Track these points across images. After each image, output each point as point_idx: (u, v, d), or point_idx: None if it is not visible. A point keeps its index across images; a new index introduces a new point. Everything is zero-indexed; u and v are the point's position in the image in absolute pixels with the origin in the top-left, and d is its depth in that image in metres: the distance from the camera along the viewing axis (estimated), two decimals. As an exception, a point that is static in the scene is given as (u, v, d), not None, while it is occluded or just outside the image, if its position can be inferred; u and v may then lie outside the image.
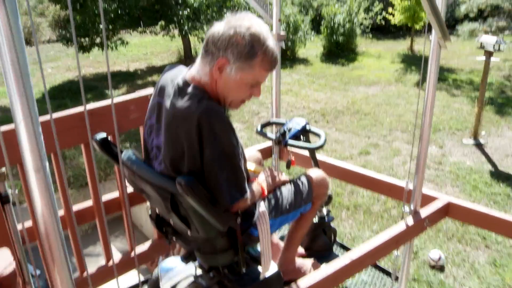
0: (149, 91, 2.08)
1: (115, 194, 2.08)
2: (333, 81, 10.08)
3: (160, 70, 11.24)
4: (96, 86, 9.83)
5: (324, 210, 2.40)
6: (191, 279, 1.96)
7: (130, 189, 2.19)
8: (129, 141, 6.75)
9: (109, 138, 1.70)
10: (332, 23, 11.91)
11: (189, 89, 1.52)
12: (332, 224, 2.48)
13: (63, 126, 1.82)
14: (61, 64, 11.99)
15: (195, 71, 1.56)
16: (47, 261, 0.92)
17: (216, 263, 1.78)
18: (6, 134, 1.66)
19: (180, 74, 1.61)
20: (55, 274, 0.93)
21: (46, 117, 1.78)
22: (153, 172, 1.60)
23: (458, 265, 4.33)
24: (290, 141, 2.08)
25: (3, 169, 1.81)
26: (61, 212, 1.99)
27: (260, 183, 1.78)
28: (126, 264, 2.11)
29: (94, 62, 12.19)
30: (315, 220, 2.34)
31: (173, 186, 1.44)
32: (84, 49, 10.03)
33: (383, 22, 13.73)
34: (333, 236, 2.53)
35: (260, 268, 1.73)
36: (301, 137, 2.13)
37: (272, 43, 1.53)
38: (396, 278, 2.37)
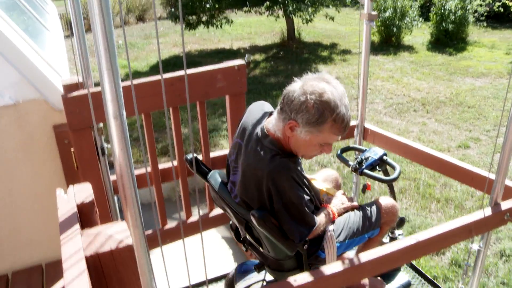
0: (237, 62, 2.19)
1: (198, 156, 2.23)
2: (437, 71, 9.59)
3: (263, 49, 11.44)
4: (200, 61, 10.25)
5: (396, 232, 2.46)
6: (264, 283, 2.21)
7: (212, 154, 2.34)
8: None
9: (199, 158, 1.97)
10: (442, 9, 11.23)
11: (266, 143, 1.66)
12: None
13: (155, 89, 1.97)
14: (169, 39, 12.63)
15: (271, 124, 1.68)
16: (121, 198, 1.04)
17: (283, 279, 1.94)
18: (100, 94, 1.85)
19: (262, 120, 1.75)
20: (127, 211, 1.05)
21: (136, 81, 1.97)
22: (232, 199, 1.78)
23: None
24: (366, 171, 2.17)
25: (101, 124, 2.02)
26: (148, 169, 2.18)
27: (332, 207, 1.91)
28: (204, 224, 2.26)
29: (200, 39, 12.69)
30: (387, 240, 2.42)
31: (248, 215, 1.64)
32: (190, 26, 10.47)
33: (501, 9, 12.68)
34: None
35: None
36: (377, 167, 2.21)
37: (343, 110, 1.59)
38: None
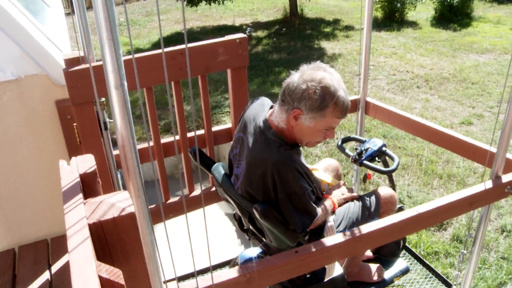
0: (238, 35, 2.17)
1: (200, 132, 2.24)
2: (441, 47, 9.50)
3: (265, 26, 11.34)
4: (201, 38, 10.17)
5: None
6: None
7: (215, 128, 2.35)
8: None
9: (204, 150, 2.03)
10: (447, -16, 11.09)
11: (269, 135, 1.72)
12: None
13: (156, 63, 1.97)
14: (171, 16, 12.53)
15: (274, 116, 1.75)
16: (123, 168, 1.05)
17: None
18: (102, 68, 1.85)
19: (262, 113, 1.81)
20: (129, 181, 1.06)
21: (137, 55, 1.96)
22: (235, 191, 1.84)
23: (556, 249, 4.04)
24: (365, 162, 2.21)
25: (103, 99, 2.03)
26: (151, 144, 2.19)
27: (332, 198, 1.98)
28: (207, 198, 2.28)
29: (201, 16, 12.58)
30: None
31: (251, 208, 1.70)
32: (192, 2, 10.36)
33: (508, -16, 12.49)
34: (402, 242, 2.66)
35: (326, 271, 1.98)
36: (377, 158, 2.25)
37: (342, 93, 1.67)
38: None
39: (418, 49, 9.40)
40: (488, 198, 1.86)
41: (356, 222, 2.02)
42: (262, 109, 1.85)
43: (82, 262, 0.79)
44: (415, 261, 2.94)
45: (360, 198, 2.12)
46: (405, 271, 2.61)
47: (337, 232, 1.89)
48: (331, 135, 1.77)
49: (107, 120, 2.01)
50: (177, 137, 2.19)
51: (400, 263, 2.63)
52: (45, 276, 2.13)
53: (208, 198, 2.37)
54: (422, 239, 4.15)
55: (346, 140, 2.51)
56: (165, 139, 2.20)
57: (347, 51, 9.24)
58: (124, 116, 1.03)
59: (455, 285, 2.60)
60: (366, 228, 1.56)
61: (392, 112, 2.48)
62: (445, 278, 2.81)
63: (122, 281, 0.82)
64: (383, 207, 2.11)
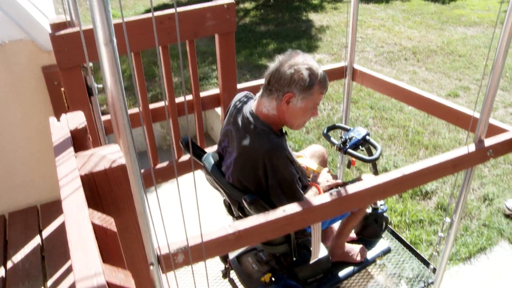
0: (226, 0, 2.16)
1: (188, 97, 2.24)
2: (429, 19, 9.50)
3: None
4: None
5: (378, 203, 2.66)
6: (254, 251, 2.43)
7: (203, 94, 2.35)
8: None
9: (193, 140, 2.10)
10: (437, -45, 11.00)
11: (258, 124, 1.82)
12: (385, 214, 2.76)
13: (145, 28, 1.96)
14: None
15: (262, 106, 1.84)
16: (113, 125, 1.05)
17: (273, 252, 2.24)
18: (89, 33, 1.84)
19: (247, 105, 1.91)
20: (120, 141, 1.07)
21: (126, 19, 1.94)
22: (226, 181, 1.92)
23: (537, 216, 4.15)
24: (349, 151, 2.30)
25: (91, 64, 2.01)
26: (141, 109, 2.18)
27: (317, 185, 2.10)
28: (196, 163, 2.30)
29: (189, -12, 12.38)
30: (369, 210, 2.64)
31: (240, 198, 1.79)
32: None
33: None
34: (385, 224, 2.80)
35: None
36: (360, 146, 2.34)
37: (320, 70, 1.83)
38: (434, 270, 2.58)
39: (406, 21, 9.39)
40: (471, 160, 1.90)
41: None
42: (246, 102, 1.95)
43: (75, 210, 0.80)
44: (397, 242, 3.07)
45: (344, 185, 2.17)
46: (387, 251, 2.75)
47: None
48: (316, 113, 1.91)
49: (95, 85, 2.01)
50: (166, 102, 2.19)
51: (382, 243, 2.76)
52: (36, 240, 2.15)
53: (197, 163, 2.39)
54: (408, 208, 4.24)
55: (332, 128, 2.61)
56: (153, 105, 2.21)
57: (335, 23, 9.19)
58: (114, 73, 1.04)
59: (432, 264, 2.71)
60: (352, 188, 1.60)
61: (379, 79, 2.50)
62: (424, 257, 2.98)
63: (114, 229, 0.85)
64: None
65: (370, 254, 2.65)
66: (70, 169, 0.90)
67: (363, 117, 5.80)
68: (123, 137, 1.06)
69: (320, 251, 2.13)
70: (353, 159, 2.41)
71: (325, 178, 2.16)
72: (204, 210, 3.61)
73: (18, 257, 2.05)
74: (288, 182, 1.80)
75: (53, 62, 2.16)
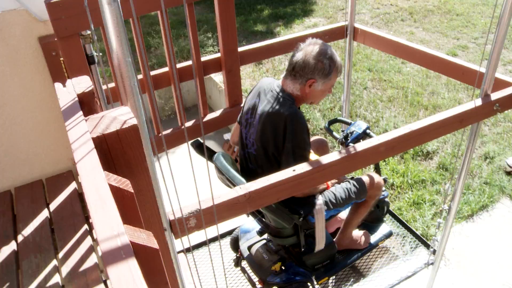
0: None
1: (188, 63, 2.20)
2: (426, -22, 9.33)
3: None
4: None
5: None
6: (264, 241, 2.62)
7: (204, 58, 2.32)
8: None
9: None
10: None
11: (284, 95, 2.08)
12: (386, 199, 2.86)
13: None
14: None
15: (286, 86, 2.11)
16: (120, 89, 1.03)
17: (282, 244, 2.45)
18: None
19: (273, 83, 2.15)
20: (127, 101, 1.05)
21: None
22: (236, 177, 2.03)
23: (537, 173, 4.18)
24: (351, 145, 2.37)
25: (88, 32, 1.97)
26: (140, 76, 2.15)
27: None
28: (198, 130, 2.28)
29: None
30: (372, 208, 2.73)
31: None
32: None
33: None
34: (386, 208, 2.93)
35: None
36: (361, 140, 2.42)
37: (338, 57, 2.10)
38: (434, 252, 2.72)
39: (402, -19, 9.22)
40: (478, 115, 1.89)
41: (343, 203, 2.33)
42: (273, 81, 2.18)
43: (91, 171, 0.79)
44: (399, 225, 3.16)
45: (349, 181, 2.40)
46: (389, 235, 2.87)
47: (326, 211, 2.23)
48: (331, 91, 2.21)
49: (95, 53, 1.97)
50: (167, 69, 2.16)
51: (384, 227, 2.88)
52: (44, 214, 2.15)
53: (200, 129, 2.38)
54: (410, 169, 4.26)
55: (333, 121, 2.75)
56: (155, 71, 2.17)
57: (331, -14, 9.02)
58: (118, 34, 1.01)
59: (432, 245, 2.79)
60: (361, 146, 1.59)
61: (380, 37, 2.47)
62: (425, 239, 3.07)
63: (131, 190, 0.84)
64: (369, 192, 2.41)
65: (373, 239, 2.78)
66: (82, 132, 0.88)
67: (361, 80, 5.76)
68: (131, 99, 1.03)
69: (325, 239, 2.34)
70: None
71: None
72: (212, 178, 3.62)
73: (27, 230, 2.05)
74: (301, 150, 2.00)
75: (49, 32, 2.11)
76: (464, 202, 3.85)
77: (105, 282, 1.75)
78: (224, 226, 3.07)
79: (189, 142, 2.32)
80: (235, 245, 2.81)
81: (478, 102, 1.87)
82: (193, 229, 1.39)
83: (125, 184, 0.84)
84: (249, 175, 2.24)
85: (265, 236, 2.58)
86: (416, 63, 2.43)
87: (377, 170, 2.75)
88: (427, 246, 2.93)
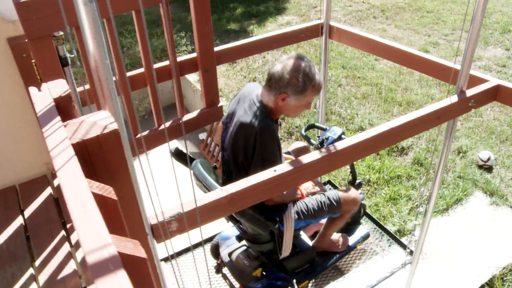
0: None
1: (165, 63, 2.17)
2: (396, -24, 9.45)
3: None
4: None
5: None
6: (244, 247, 2.65)
7: (180, 58, 2.29)
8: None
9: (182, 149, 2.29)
10: None
11: (259, 106, 2.08)
12: (363, 201, 2.90)
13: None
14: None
15: (264, 95, 2.11)
16: (98, 92, 1.00)
17: (260, 250, 2.47)
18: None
19: (253, 92, 2.15)
20: (105, 105, 1.02)
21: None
22: (213, 186, 2.07)
23: (508, 167, 4.28)
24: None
25: (61, 32, 1.92)
26: (115, 78, 2.11)
27: (301, 189, 2.39)
28: (175, 130, 2.25)
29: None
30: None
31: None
32: None
33: None
34: (362, 211, 3.01)
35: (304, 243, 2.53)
36: None
37: (317, 76, 2.07)
38: (411, 252, 2.78)
39: (373, -21, 9.33)
40: (454, 111, 1.92)
41: (315, 215, 2.35)
42: (255, 89, 2.18)
43: (73, 179, 0.76)
44: (376, 227, 3.23)
45: (326, 194, 2.43)
46: (366, 237, 2.93)
47: (297, 221, 2.27)
48: (309, 107, 2.16)
49: (67, 55, 1.91)
50: (143, 70, 2.12)
51: (361, 229, 2.94)
52: (19, 221, 2.09)
53: (176, 131, 2.35)
54: (385, 165, 4.30)
55: (309, 127, 2.79)
56: (130, 72, 2.13)
57: (303, -16, 9.05)
58: (96, 35, 0.97)
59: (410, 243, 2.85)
60: (341, 144, 1.59)
61: (356, 35, 2.48)
62: (400, 239, 3.15)
63: (114, 197, 0.81)
64: (343, 207, 2.44)
65: (351, 241, 2.84)
66: (61, 139, 0.85)
67: (335, 77, 5.80)
68: (110, 103, 1.01)
69: (305, 243, 2.44)
70: None
71: (311, 184, 2.41)
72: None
73: (1, 239, 1.99)
74: (270, 163, 1.91)
75: (19, 33, 2.05)
76: (439, 196, 3.92)
77: (84, 289, 1.71)
78: (204, 232, 3.05)
79: (170, 148, 2.31)
80: (215, 252, 2.82)
81: (454, 98, 1.90)
82: (175, 232, 1.36)
83: (108, 191, 0.81)
84: (228, 177, 2.26)
85: (245, 242, 2.60)
86: (392, 61, 2.46)
87: (352, 169, 2.79)
88: (404, 247, 2.97)
